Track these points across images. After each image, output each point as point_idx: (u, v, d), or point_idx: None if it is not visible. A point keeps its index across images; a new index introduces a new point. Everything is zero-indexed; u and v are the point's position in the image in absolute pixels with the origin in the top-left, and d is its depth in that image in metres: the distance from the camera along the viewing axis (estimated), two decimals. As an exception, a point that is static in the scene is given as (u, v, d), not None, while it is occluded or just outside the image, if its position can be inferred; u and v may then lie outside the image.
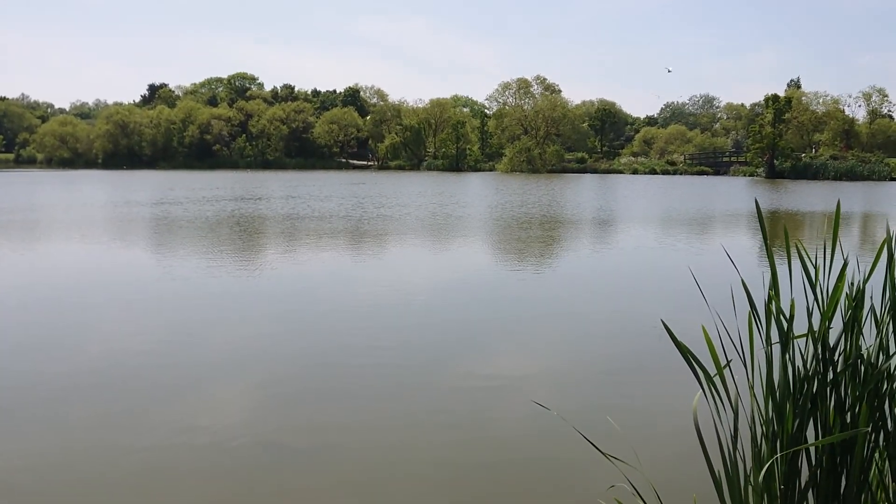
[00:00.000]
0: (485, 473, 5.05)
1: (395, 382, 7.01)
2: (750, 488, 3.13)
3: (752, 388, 3.24)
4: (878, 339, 3.12)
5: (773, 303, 3.17)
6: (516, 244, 18.35)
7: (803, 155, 70.31)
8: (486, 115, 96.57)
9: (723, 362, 3.20)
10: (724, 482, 3.16)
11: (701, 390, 3.23)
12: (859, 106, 79.95)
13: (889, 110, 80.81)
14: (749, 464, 3.22)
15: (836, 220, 3.23)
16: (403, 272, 14.00)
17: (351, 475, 5.05)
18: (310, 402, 6.52)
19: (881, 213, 28.95)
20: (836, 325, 3.17)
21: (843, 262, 3.11)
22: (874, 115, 78.53)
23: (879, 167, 62.13)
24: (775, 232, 21.98)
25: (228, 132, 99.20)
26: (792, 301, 3.14)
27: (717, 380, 3.18)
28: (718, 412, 3.21)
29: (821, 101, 78.25)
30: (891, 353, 3.08)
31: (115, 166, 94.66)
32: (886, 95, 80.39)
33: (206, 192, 40.90)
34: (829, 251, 3.23)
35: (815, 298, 3.16)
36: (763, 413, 3.23)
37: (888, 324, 3.11)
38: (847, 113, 77.89)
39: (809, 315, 3.15)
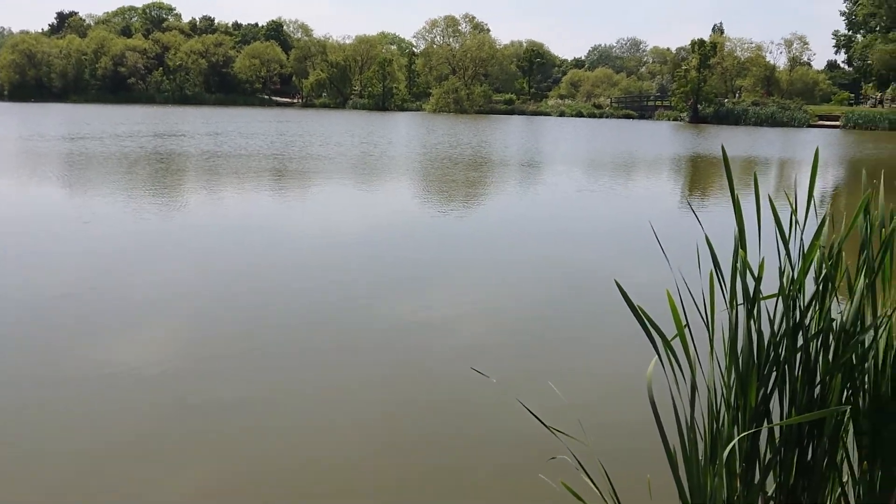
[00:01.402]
0: (413, 446, 4.64)
1: (321, 329, 6.56)
2: (710, 468, 2.81)
3: (713, 354, 2.91)
4: (849, 304, 2.82)
5: (741, 259, 2.82)
6: (448, 185, 17.90)
7: (726, 101, 71.36)
8: (414, 54, 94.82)
9: (682, 324, 2.86)
10: (681, 460, 2.84)
11: (657, 356, 2.89)
12: (781, 53, 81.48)
13: (809, 58, 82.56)
14: (708, 439, 2.91)
15: (812, 174, 2.88)
16: (333, 213, 13.45)
17: (273, 424, 4.66)
18: (234, 346, 6.05)
19: (799, 160, 29.50)
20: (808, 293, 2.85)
21: (820, 218, 2.77)
22: (794, 62, 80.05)
23: (799, 114, 63.54)
24: (706, 177, 22.13)
25: (144, 65, 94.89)
26: (762, 259, 2.80)
27: (674, 345, 2.84)
28: (676, 381, 2.87)
29: (746, 46, 79.32)
30: (867, 323, 2.77)
31: (23, 98, 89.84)
32: (807, 43, 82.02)
33: (124, 126, 39.01)
34: (801, 207, 2.88)
35: (788, 256, 2.82)
36: (725, 382, 2.90)
37: (863, 289, 2.80)
38: (769, 60, 79.26)
39: (781, 274, 2.82)
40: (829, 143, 40.68)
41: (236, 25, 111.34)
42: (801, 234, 2.82)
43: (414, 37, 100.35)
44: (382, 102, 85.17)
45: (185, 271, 8.71)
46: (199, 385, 5.33)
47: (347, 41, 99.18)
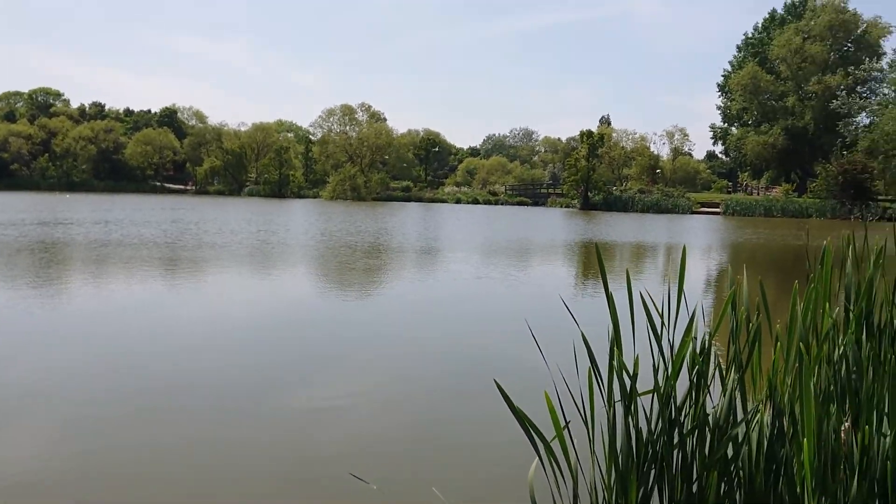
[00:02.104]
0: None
1: (207, 417, 6.24)
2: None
3: (594, 453, 2.91)
4: (722, 399, 2.88)
5: (616, 358, 2.85)
6: (346, 273, 17.76)
7: (614, 188, 74.51)
8: (310, 141, 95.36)
9: (564, 421, 2.84)
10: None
11: (538, 458, 2.86)
12: (664, 144, 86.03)
13: (690, 148, 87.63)
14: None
15: (681, 271, 2.97)
16: (226, 302, 13.05)
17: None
18: (114, 433, 5.68)
19: (686, 245, 30.80)
20: (683, 383, 2.91)
21: (689, 314, 2.85)
22: (676, 152, 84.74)
23: (682, 201, 66.90)
24: (597, 264, 22.73)
25: (29, 150, 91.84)
26: (636, 357, 2.84)
27: (555, 444, 2.82)
28: (558, 482, 2.84)
29: (631, 137, 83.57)
30: (737, 418, 2.84)
31: None
32: (687, 135, 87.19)
33: (5, 214, 37.28)
34: (674, 301, 2.96)
35: (661, 353, 2.87)
36: (605, 481, 2.89)
37: (735, 381, 2.87)
38: (653, 150, 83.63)
39: (655, 371, 2.86)
40: (712, 229, 42.82)
41: (128, 112, 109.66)
42: (673, 330, 2.89)
43: (311, 125, 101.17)
44: (279, 189, 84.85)
45: (64, 362, 8.22)
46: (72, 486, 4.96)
47: (243, 128, 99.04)
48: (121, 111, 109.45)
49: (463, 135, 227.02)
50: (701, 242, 32.85)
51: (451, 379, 8.50)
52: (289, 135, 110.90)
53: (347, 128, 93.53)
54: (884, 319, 3.18)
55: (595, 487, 2.88)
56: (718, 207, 65.30)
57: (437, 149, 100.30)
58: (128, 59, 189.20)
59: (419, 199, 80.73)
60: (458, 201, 78.90)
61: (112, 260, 18.93)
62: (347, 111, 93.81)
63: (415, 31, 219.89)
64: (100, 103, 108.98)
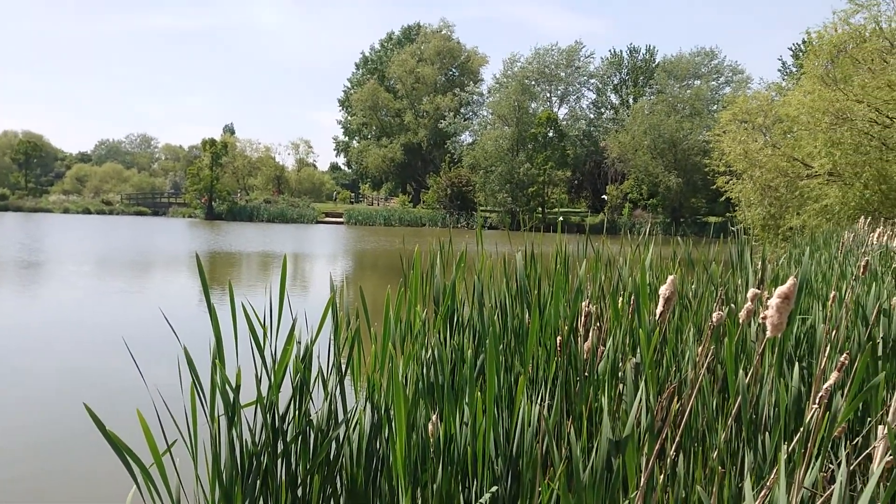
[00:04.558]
0: None
1: None
2: None
3: (197, 471, 2.80)
4: (324, 403, 2.96)
5: (218, 372, 2.78)
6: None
7: (239, 198, 73.73)
8: None
9: (165, 446, 2.69)
10: None
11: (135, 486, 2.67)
12: (289, 154, 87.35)
13: (314, 160, 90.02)
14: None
15: (282, 278, 2.98)
16: None
17: None
18: None
19: (309, 254, 31.57)
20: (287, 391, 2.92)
21: (291, 319, 2.87)
22: (301, 163, 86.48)
23: (307, 211, 68.32)
24: (220, 276, 22.27)
25: None
26: (238, 369, 2.79)
27: (154, 470, 2.66)
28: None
29: (256, 147, 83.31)
30: (339, 419, 2.93)
31: None
32: (311, 146, 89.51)
33: None
34: (276, 309, 2.96)
35: (263, 363, 2.86)
36: (209, 499, 2.80)
37: (335, 384, 2.97)
38: (278, 160, 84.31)
39: (258, 381, 2.84)
40: (336, 238, 44.41)
41: None
42: (276, 339, 2.90)
43: None
44: None
45: None
46: None
47: None
48: None
49: (72, 139, 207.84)
50: (326, 251, 33.92)
51: (41, 406, 7.72)
52: None
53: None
54: (465, 317, 3.53)
55: (198, 507, 2.77)
56: (342, 217, 67.93)
57: (39, 153, 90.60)
58: None
59: (18, 209, 72.12)
60: (66, 211, 71.96)
61: None
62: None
63: (16, 21, 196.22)
64: None
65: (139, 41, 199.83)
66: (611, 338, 3.33)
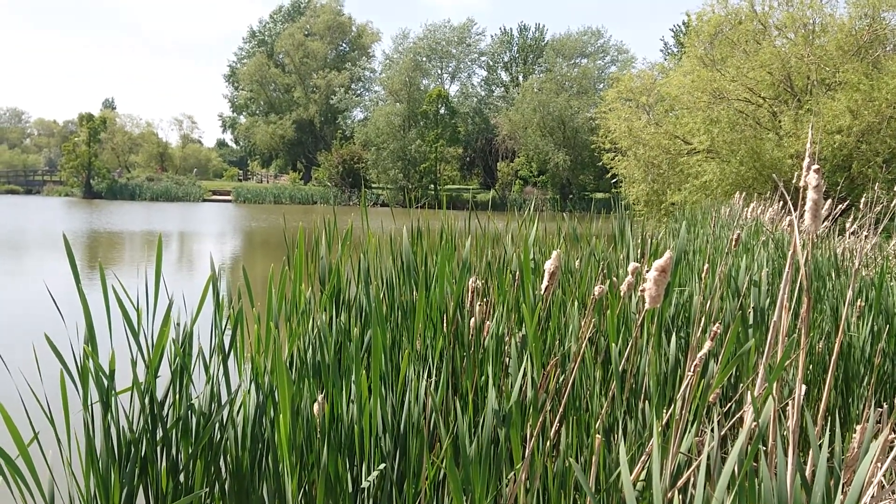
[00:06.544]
0: None
1: None
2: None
3: (70, 463, 2.67)
4: (206, 386, 2.87)
5: (91, 357, 2.65)
6: None
7: (119, 176, 70.66)
8: None
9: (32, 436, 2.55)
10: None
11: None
12: (173, 130, 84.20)
13: (200, 136, 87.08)
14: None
15: (157, 257, 2.87)
16: None
17: None
18: None
19: (196, 232, 30.66)
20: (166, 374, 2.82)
21: (168, 300, 2.77)
22: (186, 139, 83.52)
23: (193, 189, 66.13)
24: (102, 257, 21.35)
25: None
26: (112, 353, 2.67)
27: (22, 462, 2.52)
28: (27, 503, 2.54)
29: (137, 123, 79.91)
30: (224, 402, 2.85)
31: None
32: (196, 122, 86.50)
33: None
34: (151, 290, 2.85)
35: (139, 346, 2.75)
36: (84, 490, 2.68)
37: (219, 367, 2.88)
38: (161, 137, 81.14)
39: (134, 366, 2.73)
40: (225, 217, 43.22)
41: None
42: (153, 321, 2.79)
43: None
44: None
45: None
46: None
47: None
48: None
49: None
50: (214, 230, 33.02)
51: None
52: None
53: None
54: (352, 296, 3.49)
55: (73, 499, 2.65)
56: (230, 195, 66.16)
57: None
58: None
59: None
60: (-75, 190, 67.34)
61: None
62: None
63: None
64: None
65: (10, 5, 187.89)
66: (496, 313, 3.37)
